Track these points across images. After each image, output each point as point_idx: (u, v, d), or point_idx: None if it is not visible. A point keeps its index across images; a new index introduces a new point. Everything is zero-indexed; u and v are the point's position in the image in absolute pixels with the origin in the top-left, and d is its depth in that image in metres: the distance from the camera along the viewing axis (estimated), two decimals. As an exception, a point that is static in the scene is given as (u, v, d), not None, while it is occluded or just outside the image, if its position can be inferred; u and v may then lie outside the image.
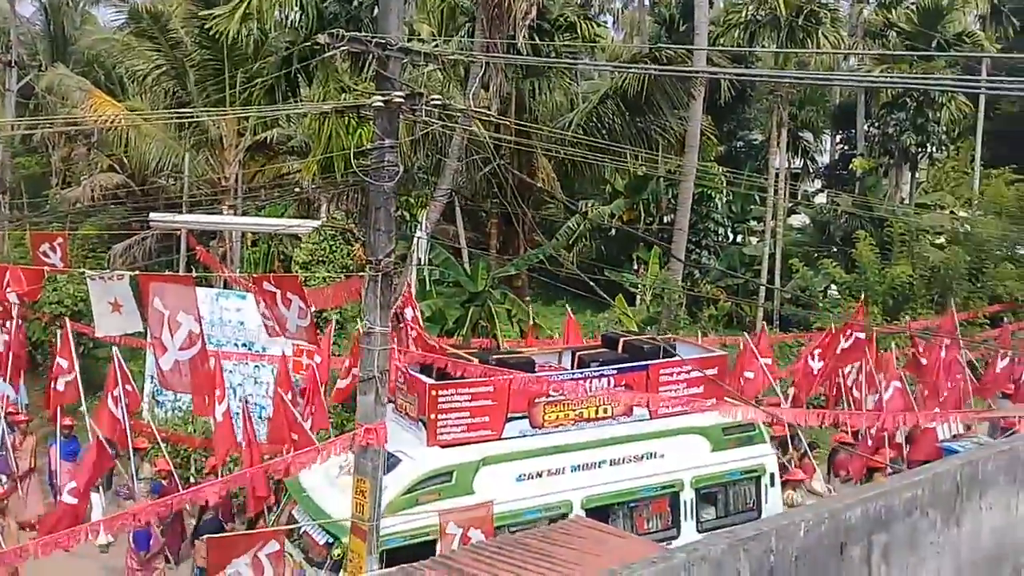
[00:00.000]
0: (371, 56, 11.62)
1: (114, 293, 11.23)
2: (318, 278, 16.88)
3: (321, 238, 17.57)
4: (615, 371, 10.81)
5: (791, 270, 22.64)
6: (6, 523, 11.21)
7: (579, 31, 18.41)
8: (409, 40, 10.57)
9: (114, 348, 12.93)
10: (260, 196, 21.11)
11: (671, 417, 10.91)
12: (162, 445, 14.28)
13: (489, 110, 15.08)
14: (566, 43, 18.47)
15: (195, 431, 15.49)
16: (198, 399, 11.47)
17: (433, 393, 9.91)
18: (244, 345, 16.11)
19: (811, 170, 34.62)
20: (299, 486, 10.14)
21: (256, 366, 16.26)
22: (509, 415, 10.18)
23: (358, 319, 18.98)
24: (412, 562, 8.34)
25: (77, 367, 12.82)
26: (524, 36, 15.65)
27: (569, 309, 16.39)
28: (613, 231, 25.77)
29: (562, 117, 19.97)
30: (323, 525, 9.42)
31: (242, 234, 21.14)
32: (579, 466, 10.30)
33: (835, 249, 25.43)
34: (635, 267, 25.55)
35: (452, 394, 9.94)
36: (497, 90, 15.83)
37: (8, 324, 13.81)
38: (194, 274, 17.57)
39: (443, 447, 9.73)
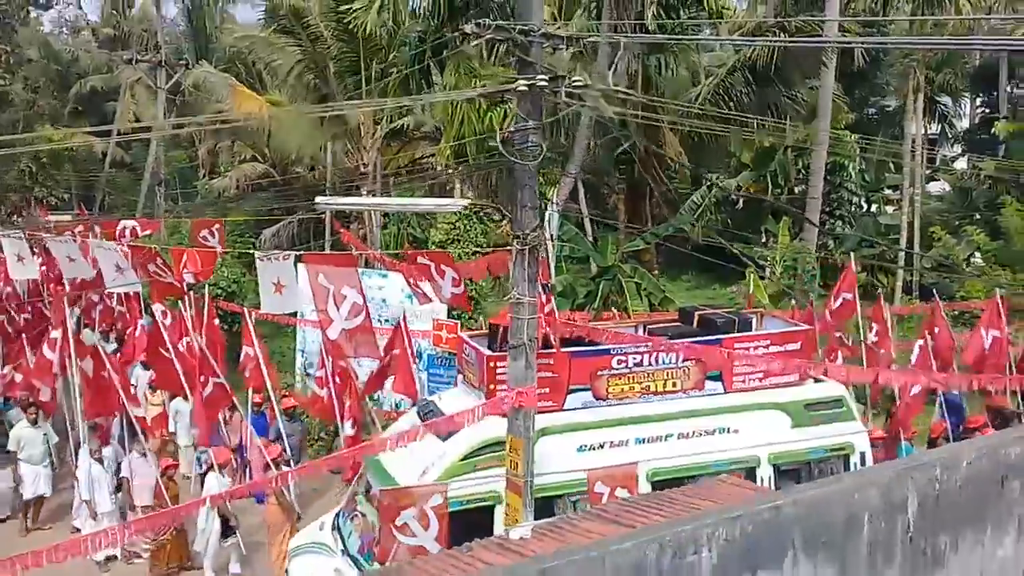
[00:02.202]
0: (503, 42, 12.14)
1: (277, 273, 12.02)
2: (454, 255, 17.69)
3: (456, 218, 18.35)
4: (684, 344, 10.53)
5: (931, 238, 21.92)
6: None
7: (705, 4, 18.38)
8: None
9: (319, 332, 13.76)
10: (398, 180, 22.08)
11: (748, 392, 10.65)
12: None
13: (617, 88, 15.32)
14: (692, 17, 18.45)
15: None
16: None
17: (491, 364, 10.04)
18: (387, 321, 17.04)
19: (950, 135, 33.07)
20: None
21: (398, 341, 17.21)
22: (571, 387, 10.16)
23: (487, 296, 19.82)
24: (469, 526, 8.84)
25: (259, 352, 13.79)
26: (652, 13, 15.86)
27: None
28: (740, 204, 25.52)
29: (687, 91, 19.97)
30: (386, 487, 9.69)
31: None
32: (645, 439, 10.13)
33: (977, 216, 24.40)
34: (764, 239, 25.30)
35: None
36: (625, 68, 16.06)
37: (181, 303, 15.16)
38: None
39: (502, 416, 9.60)
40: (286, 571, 10.53)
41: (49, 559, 7.29)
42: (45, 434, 13.74)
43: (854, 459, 10.79)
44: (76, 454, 13.57)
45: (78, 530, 12.53)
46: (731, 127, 17.56)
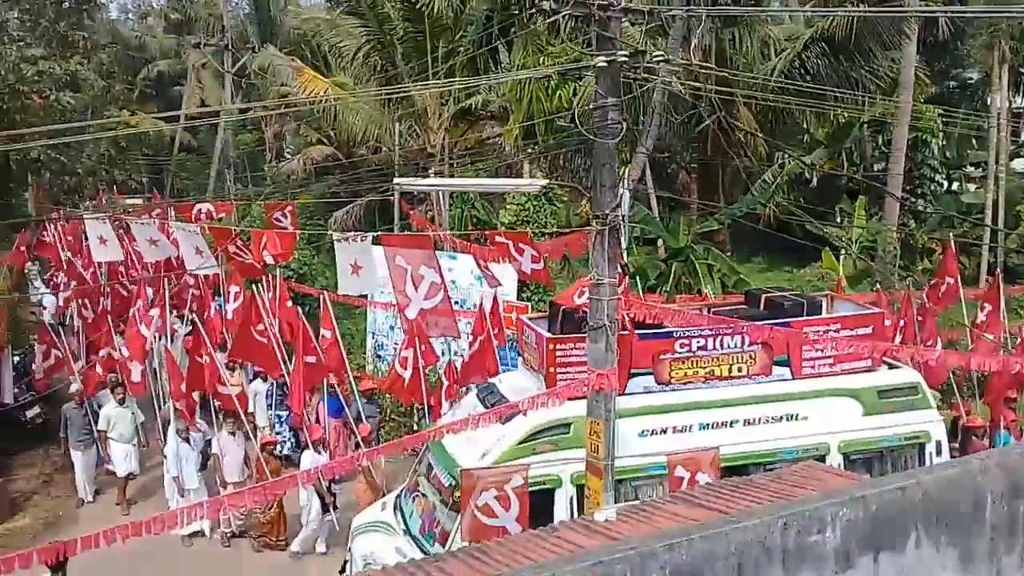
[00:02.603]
0: (580, 18, 11.90)
1: (355, 255, 12.10)
2: (525, 237, 17.57)
3: (525, 199, 18.26)
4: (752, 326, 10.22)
5: (1018, 217, 21.02)
6: None
7: (782, -24, 17.86)
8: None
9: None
10: (465, 161, 22.07)
11: (817, 377, 10.35)
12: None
13: (701, 64, 15.01)
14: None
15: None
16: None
17: (551, 347, 9.91)
18: (456, 303, 17.06)
19: (1035, 108, 31.60)
20: None
21: (468, 322, 17.27)
22: (632, 371, 9.95)
23: (557, 278, 19.71)
24: (529, 509, 8.94)
25: (338, 334, 13.90)
26: (728, -15, 15.55)
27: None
28: (813, 182, 24.85)
29: (760, 66, 19.49)
30: (445, 468, 9.77)
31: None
32: (708, 424, 9.94)
33: (1067, 193, 23.33)
34: (839, 219, 24.63)
35: (571, 348, 9.90)
36: (699, 42, 15.69)
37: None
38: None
39: (569, 399, 9.49)
40: (349, 549, 10.66)
41: (147, 530, 7.53)
42: (133, 413, 14.13)
43: (929, 448, 10.44)
44: (164, 433, 13.94)
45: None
46: (808, 102, 17.03)
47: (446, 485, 9.79)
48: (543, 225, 18.09)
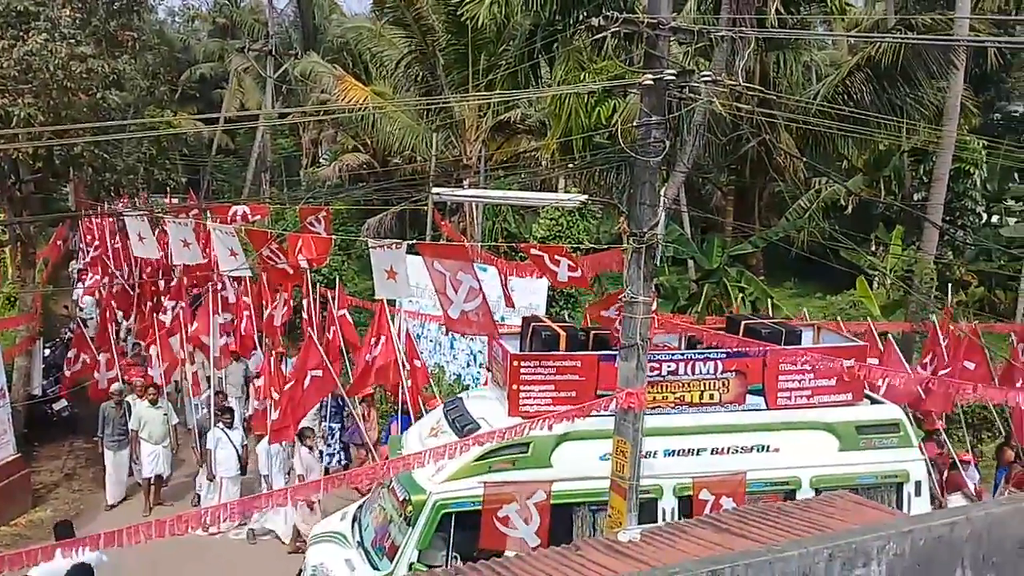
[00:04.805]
0: (629, 35, 11.87)
1: (390, 261, 12.18)
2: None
3: (559, 214, 18.22)
4: (724, 355, 10.12)
5: (1059, 253, 20.63)
6: None
7: (828, 2, 17.74)
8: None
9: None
10: (500, 174, 22.11)
11: (792, 409, 10.18)
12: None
13: (749, 85, 14.92)
14: (814, 14, 17.91)
15: (440, 392, 16.68)
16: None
17: (515, 364, 9.82)
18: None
19: (1082, 143, 31.08)
20: (398, 444, 10.62)
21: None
22: (599, 392, 9.78)
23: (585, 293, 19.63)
24: (478, 526, 9.08)
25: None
26: (773, 8, 15.46)
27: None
28: (849, 209, 24.59)
29: (804, 90, 19.38)
30: (401, 481, 9.59)
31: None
32: (674, 451, 9.80)
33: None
34: (873, 248, 24.35)
35: (535, 366, 9.84)
36: (743, 64, 15.55)
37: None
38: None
39: (524, 418, 9.30)
40: (304, 558, 10.60)
41: (172, 530, 7.50)
42: (165, 414, 14.15)
43: (908, 488, 10.20)
44: (200, 436, 13.99)
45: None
46: (851, 127, 16.88)
47: (400, 498, 9.69)
48: (576, 240, 18.03)
